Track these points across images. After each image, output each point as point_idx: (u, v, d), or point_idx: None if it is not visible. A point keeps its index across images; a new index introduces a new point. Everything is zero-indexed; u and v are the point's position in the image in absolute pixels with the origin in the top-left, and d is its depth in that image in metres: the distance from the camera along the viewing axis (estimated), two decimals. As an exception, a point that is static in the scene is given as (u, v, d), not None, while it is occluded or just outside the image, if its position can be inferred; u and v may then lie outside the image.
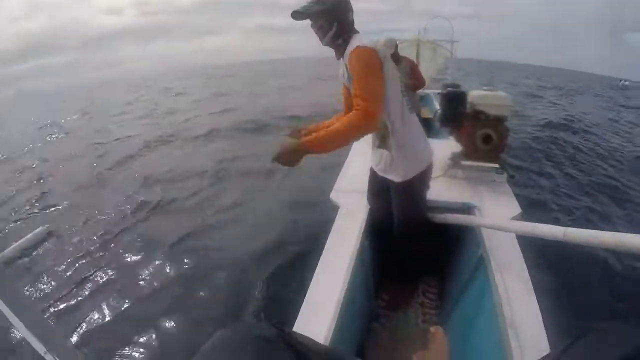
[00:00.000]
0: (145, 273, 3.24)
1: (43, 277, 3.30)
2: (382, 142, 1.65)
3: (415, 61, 4.24)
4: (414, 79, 3.78)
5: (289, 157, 1.30)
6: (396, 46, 3.71)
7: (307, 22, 1.50)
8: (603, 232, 1.01)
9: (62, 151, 8.42)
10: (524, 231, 1.36)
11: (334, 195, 2.21)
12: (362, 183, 2.04)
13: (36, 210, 4.96)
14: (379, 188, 1.84)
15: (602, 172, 5.64)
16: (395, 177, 1.66)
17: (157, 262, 3.35)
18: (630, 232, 0.94)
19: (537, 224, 1.29)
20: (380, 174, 1.76)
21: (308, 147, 1.30)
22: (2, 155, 8.82)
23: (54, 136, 11.18)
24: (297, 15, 1.45)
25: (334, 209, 2.09)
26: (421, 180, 1.67)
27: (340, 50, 1.52)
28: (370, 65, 1.39)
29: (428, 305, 1.99)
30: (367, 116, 1.33)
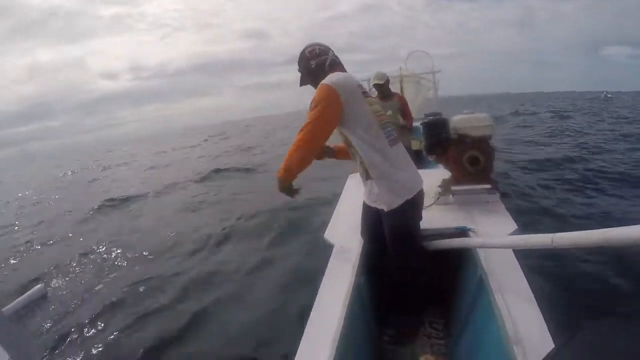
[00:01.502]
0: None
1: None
2: (365, 174, 1.69)
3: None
4: (405, 117, 3.86)
5: (280, 189, 1.57)
6: (387, 81, 3.83)
7: (296, 78, 1.80)
8: (589, 231, 0.98)
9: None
10: (515, 244, 1.36)
11: (327, 235, 2.17)
12: (355, 220, 2.02)
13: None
14: (372, 220, 1.82)
15: (593, 183, 5.69)
16: (384, 206, 1.66)
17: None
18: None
19: (525, 235, 1.28)
20: (371, 205, 1.76)
21: (280, 175, 1.54)
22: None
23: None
24: (301, 84, 1.79)
25: (328, 248, 2.04)
26: (410, 208, 1.65)
27: None
28: (324, 98, 1.50)
29: (435, 336, 1.92)
30: (300, 140, 1.49)
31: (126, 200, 8.89)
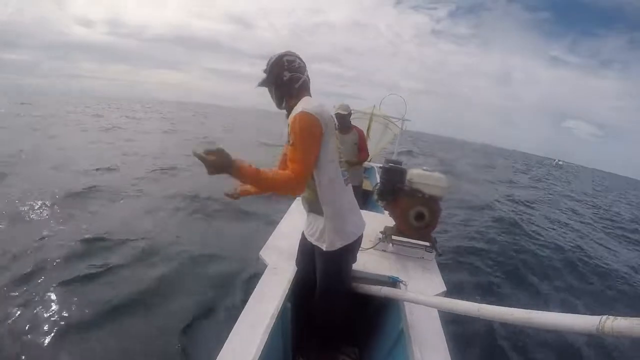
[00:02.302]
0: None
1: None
2: (311, 206, 1.65)
3: (365, 132, 4.44)
4: (360, 151, 3.91)
5: (216, 161, 1.15)
6: (350, 113, 3.85)
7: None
8: (514, 308, 1.05)
9: None
10: (443, 306, 1.40)
11: (263, 253, 2.15)
12: (293, 244, 2.01)
13: None
14: (307, 252, 1.80)
15: (528, 254, 6.00)
16: (322, 245, 1.63)
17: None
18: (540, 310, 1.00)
19: (455, 300, 1.33)
20: (309, 239, 1.74)
21: (237, 167, 1.21)
22: None
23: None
24: (259, 86, 1.61)
25: (262, 266, 2.03)
26: (348, 252, 1.65)
27: (288, 111, 1.57)
28: (310, 133, 1.41)
29: None
30: (298, 183, 1.38)
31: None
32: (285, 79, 1.54)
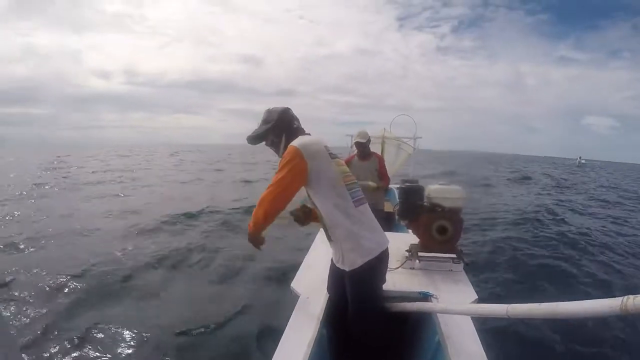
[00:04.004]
0: None
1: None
2: (327, 233, 1.75)
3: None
4: (382, 177, 3.95)
5: (249, 240, 1.68)
6: (369, 140, 3.93)
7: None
8: (540, 304, 1.09)
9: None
10: (473, 312, 1.44)
11: (294, 285, 2.20)
12: (322, 272, 2.07)
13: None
14: (337, 277, 1.86)
15: (554, 255, 5.86)
16: (346, 267, 1.70)
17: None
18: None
19: (483, 304, 1.39)
20: (336, 264, 1.82)
21: (249, 230, 1.65)
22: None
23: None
24: (251, 140, 1.78)
25: (294, 298, 2.07)
26: (372, 268, 1.69)
27: None
28: (290, 160, 1.57)
29: None
30: (263, 200, 1.58)
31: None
32: (295, 127, 1.75)
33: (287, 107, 1.77)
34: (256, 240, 1.69)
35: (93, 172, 20.07)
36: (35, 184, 13.90)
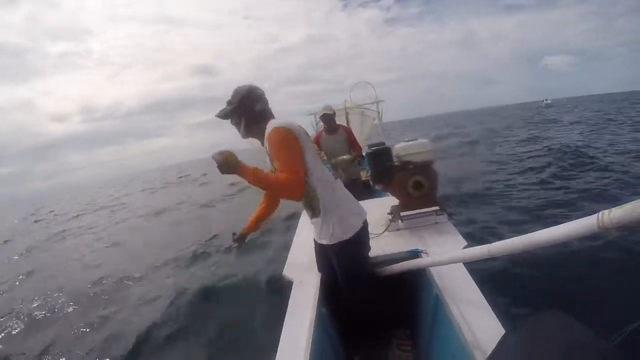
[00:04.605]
0: None
1: None
2: (312, 211, 1.71)
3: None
4: (352, 146, 3.96)
5: (225, 163, 1.38)
6: (334, 112, 3.91)
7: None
8: (518, 236, 1.09)
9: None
10: (459, 259, 1.45)
11: (286, 271, 2.19)
12: (313, 254, 2.04)
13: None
14: (323, 255, 1.86)
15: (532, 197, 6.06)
16: (330, 240, 1.70)
17: None
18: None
19: (466, 249, 1.41)
20: (318, 241, 1.80)
21: (243, 166, 1.42)
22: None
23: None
24: (219, 117, 1.67)
25: (288, 284, 2.05)
26: (356, 239, 1.69)
27: (259, 138, 1.68)
28: (285, 139, 1.49)
29: (405, 358, 1.94)
30: (291, 187, 1.44)
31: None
32: (257, 110, 1.64)
33: (253, 87, 1.68)
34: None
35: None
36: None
